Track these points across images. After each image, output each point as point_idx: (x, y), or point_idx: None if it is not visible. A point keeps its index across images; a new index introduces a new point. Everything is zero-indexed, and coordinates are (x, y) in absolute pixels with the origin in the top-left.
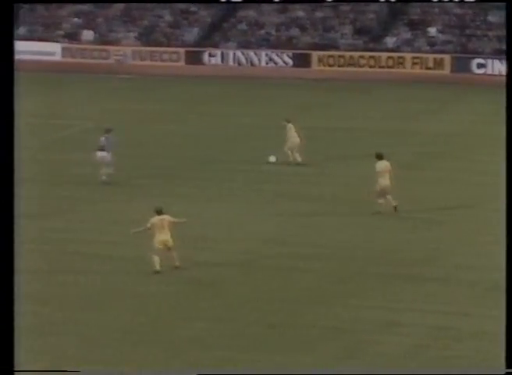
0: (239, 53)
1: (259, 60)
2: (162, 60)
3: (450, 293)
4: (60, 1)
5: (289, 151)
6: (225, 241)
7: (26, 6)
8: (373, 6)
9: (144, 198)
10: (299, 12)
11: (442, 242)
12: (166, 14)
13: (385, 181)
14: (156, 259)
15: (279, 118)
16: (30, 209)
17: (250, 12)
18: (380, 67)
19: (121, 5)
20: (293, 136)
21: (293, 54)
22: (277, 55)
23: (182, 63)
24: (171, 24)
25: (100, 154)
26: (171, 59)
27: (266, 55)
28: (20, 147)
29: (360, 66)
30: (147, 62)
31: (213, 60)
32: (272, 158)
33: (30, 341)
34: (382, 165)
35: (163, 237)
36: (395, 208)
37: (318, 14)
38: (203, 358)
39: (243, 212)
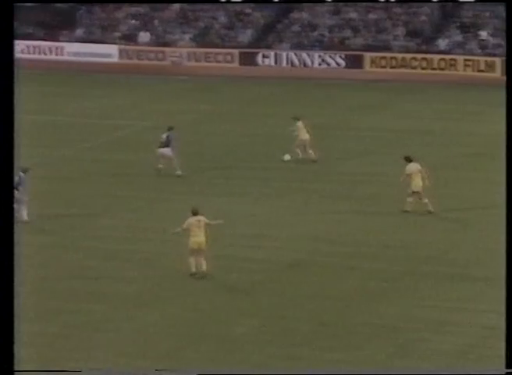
0: (292, 54)
1: (312, 61)
2: (217, 61)
3: (500, 293)
4: (62, 1)
5: (298, 149)
6: (275, 240)
7: (84, 8)
8: (425, 9)
9: (201, 196)
10: (352, 13)
11: (491, 242)
12: (221, 16)
13: (417, 183)
14: (192, 261)
15: (331, 118)
16: (91, 208)
17: (303, 14)
18: (432, 69)
19: (177, 7)
20: (302, 133)
21: (346, 55)
22: (330, 56)
23: (236, 64)
24: (225, 26)
25: (161, 150)
26: (225, 60)
27: (319, 56)
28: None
29: (413, 68)
30: (202, 64)
31: (266, 61)
32: (287, 157)
33: (86, 336)
34: (413, 167)
35: (198, 238)
36: (429, 212)
37: (371, 16)
38: (255, 354)
39: (293, 211)
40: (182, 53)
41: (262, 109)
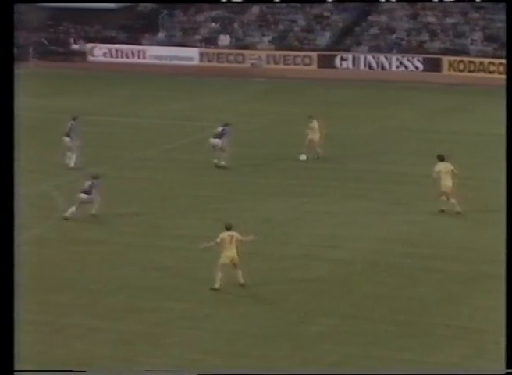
0: (370, 57)
1: (390, 64)
2: (295, 64)
3: None
4: (61, 1)
5: (310, 147)
6: (351, 240)
7: (166, 11)
8: (501, 15)
9: (277, 197)
10: (430, 17)
11: None
12: (300, 19)
13: (446, 182)
14: (218, 276)
15: (408, 121)
16: (173, 208)
17: (381, 17)
18: None
19: (256, 10)
20: (315, 132)
21: (424, 58)
22: (408, 59)
23: (314, 67)
24: (304, 28)
25: (213, 141)
26: (303, 63)
27: (397, 59)
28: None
29: (490, 72)
30: (281, 66)
31: (344, 64)
32: (303, 157)
33: (165, 333)
34: (443, 166)
35: (230, 253)
36: (457, 212)
37: (449, 20)
38: (331, 353)
39: (369, 211)
40: (261, 56)
41: (340, 111)
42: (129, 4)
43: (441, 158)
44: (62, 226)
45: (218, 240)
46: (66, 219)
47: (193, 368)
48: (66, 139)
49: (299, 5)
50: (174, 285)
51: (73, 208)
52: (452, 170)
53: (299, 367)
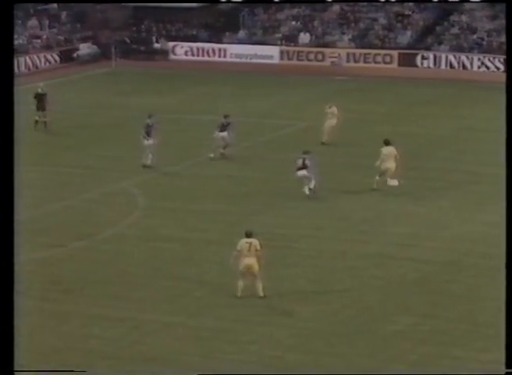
0: (451, 56)
1: (471, 64)
2: (376, 62)
3: None
4: (61, 1)
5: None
6: (430, 239)
7: (247, 10)
8: None
9: (355, 195)
10: None
11: None
12: (381, 17)
13: (388, 164)
14: (240, 285)
15: (488, 121)
16: (252, 205)
17: (462, 17)
18: None
19: (337, 8)
20: (333, 117)
21: (505, 59)
22: (489, 59)
23: (395, 65)
24: (385, 27)
25: (220, 134)
26: (384, 61)
27: (478, 59)
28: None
29: None
30: (361, 64)
31: (425, 63)
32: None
33: (243, 329)
34: (389, 150)
35: (248, 261)
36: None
37: None
38: (409, 352)
39: (449, 211)
40: (341, 54)
41: (420, 110)
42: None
43: (387, 143)
44: (142, 223)
45: (238, 247)
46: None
47: (271, 366)
48: (142, 138)
49: (380, 3)
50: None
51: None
52: (395, 155)
53: (379, 366)
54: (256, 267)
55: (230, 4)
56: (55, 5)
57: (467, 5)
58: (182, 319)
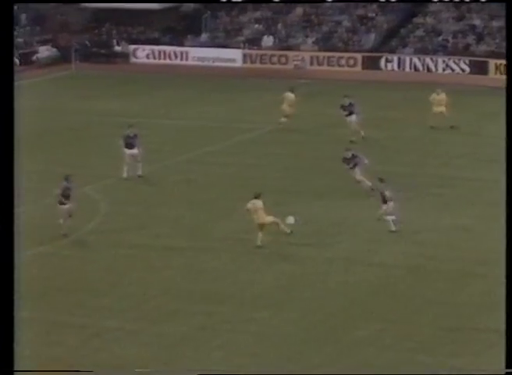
0: (415, 59)
1: (436, 66)
2: (340, 65)
3: None
4: (61, 1)
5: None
6: (398, 244)
7: (209, 12)
8: None
9: (321, 200)
10: (476, 20)
11: None
12: (344, 20)
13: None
14: (259, 235)
15: (457, 123)
16: (215, 211)
17: (427, 19)
18: None
19: (300, 11)
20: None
21: (470, 61)
22: (454, 61)
23: (359, 68)
24: (349, 29)
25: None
26: (348, 64)
27: (443, 61)
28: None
29: None
30: (325, 68)
31: (390, 66)
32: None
33: (208, 337)
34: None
35: (261, 217)
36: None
37: (495, 23)
38: (377, 358)
39: (417, 215)
40: (305, 57)
41: (385, 113)
42: (172, 4)
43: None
44: (104, 230)
45: (246, 207)
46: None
47: (232, 372)
48: (124, 149)
49: (343, 5)
50: (216, 288)
51: None
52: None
53: (344, 372)
54: (269, 221)
55: (192, 6)
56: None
57: (431, 7)
58: (145, 326)
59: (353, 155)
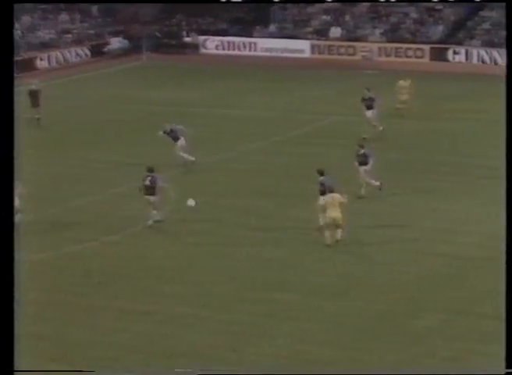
0: (483, 52)
1: (502, 59)
2: (407, 56)
3: None
4: (61, 1)
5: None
6: (465, 235)
7: (277, 4)
8: None
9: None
10: None
11: None
12: (412, 11)
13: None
14: (327, 234)
15: None
16: (283, 199)
17: (493, 13)
18: None
19: (368, 3)
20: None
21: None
22: None
23: (426, 60)
24: (417, 21)
25: None
26: (416, 56)
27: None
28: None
29: None
30: (392, 59)
31: (457, 57)
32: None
33: (273, 324)
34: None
35: (332, 213)
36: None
37: None
38: (441, 349)
39: (482, 207)
40: (372, 48)
41: (452, 105)
42: None
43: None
44: (173, 218)
45: (321, 202)
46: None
47: (299, 359)
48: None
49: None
50: (283, 277)
51: None
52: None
53: (410, 361)
54: (339, 218)
55: None
56: None
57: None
58: (212, 314)
59: (364, 153)
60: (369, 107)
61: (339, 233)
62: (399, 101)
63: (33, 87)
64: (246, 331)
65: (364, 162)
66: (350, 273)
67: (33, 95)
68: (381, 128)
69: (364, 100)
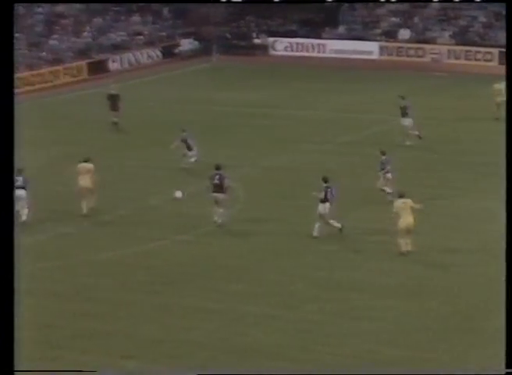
0: None
1: None
2: (476, 59)
3: None
4: (61, 1)
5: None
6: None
7: (346, 5)
8: None
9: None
10: None
11: None
12: (480, 15)
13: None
14: (402, 242)
15: None
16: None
17: None
18: None
19: (437, 5)
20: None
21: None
22: None
23: (495, 63)
24: (485, 25)
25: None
26: (485, 59)
27: None
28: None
29: None
30: (462, 61)
31: None
32: (178, 194)
33: (341, 323)
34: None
35: (407, 219)
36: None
37: None
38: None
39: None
40: (441, 50)
41: None
42: None
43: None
44: (243, 217)
45: (394, 209)
46: None
47: (368, 359)
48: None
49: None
50: (353, 276)
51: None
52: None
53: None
54: (412, 224)
55: None
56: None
57: None
58: (282, 312)
59: (385, 159)
60: (404, 115)
61: (409, 245)
62: (495, 104)
63: (113, 91)
64: (314, 330)
65: (385, 170)
66: (421, 273)
67: (113, 99)
68: (418, 134)
69: (400, 108)
